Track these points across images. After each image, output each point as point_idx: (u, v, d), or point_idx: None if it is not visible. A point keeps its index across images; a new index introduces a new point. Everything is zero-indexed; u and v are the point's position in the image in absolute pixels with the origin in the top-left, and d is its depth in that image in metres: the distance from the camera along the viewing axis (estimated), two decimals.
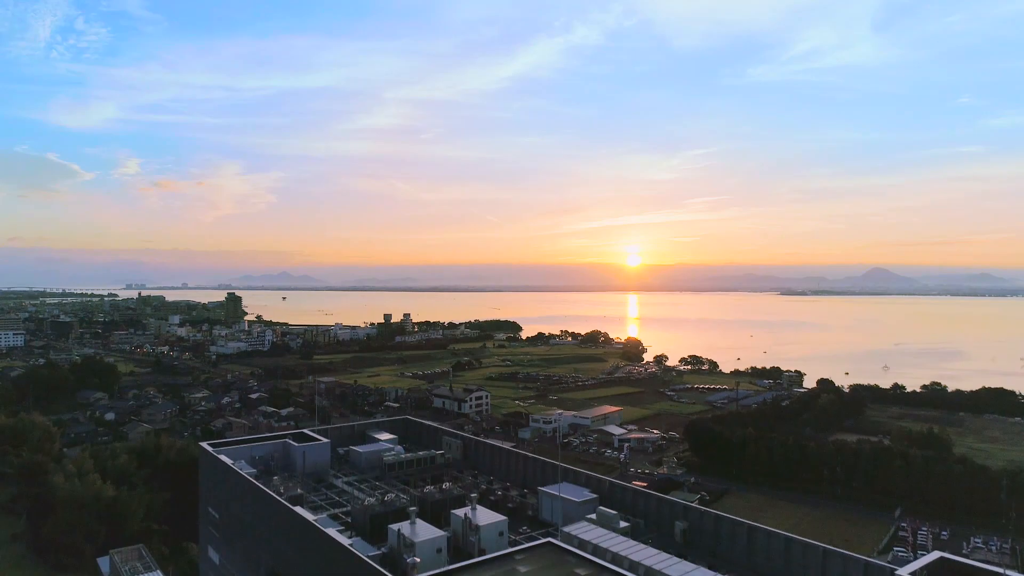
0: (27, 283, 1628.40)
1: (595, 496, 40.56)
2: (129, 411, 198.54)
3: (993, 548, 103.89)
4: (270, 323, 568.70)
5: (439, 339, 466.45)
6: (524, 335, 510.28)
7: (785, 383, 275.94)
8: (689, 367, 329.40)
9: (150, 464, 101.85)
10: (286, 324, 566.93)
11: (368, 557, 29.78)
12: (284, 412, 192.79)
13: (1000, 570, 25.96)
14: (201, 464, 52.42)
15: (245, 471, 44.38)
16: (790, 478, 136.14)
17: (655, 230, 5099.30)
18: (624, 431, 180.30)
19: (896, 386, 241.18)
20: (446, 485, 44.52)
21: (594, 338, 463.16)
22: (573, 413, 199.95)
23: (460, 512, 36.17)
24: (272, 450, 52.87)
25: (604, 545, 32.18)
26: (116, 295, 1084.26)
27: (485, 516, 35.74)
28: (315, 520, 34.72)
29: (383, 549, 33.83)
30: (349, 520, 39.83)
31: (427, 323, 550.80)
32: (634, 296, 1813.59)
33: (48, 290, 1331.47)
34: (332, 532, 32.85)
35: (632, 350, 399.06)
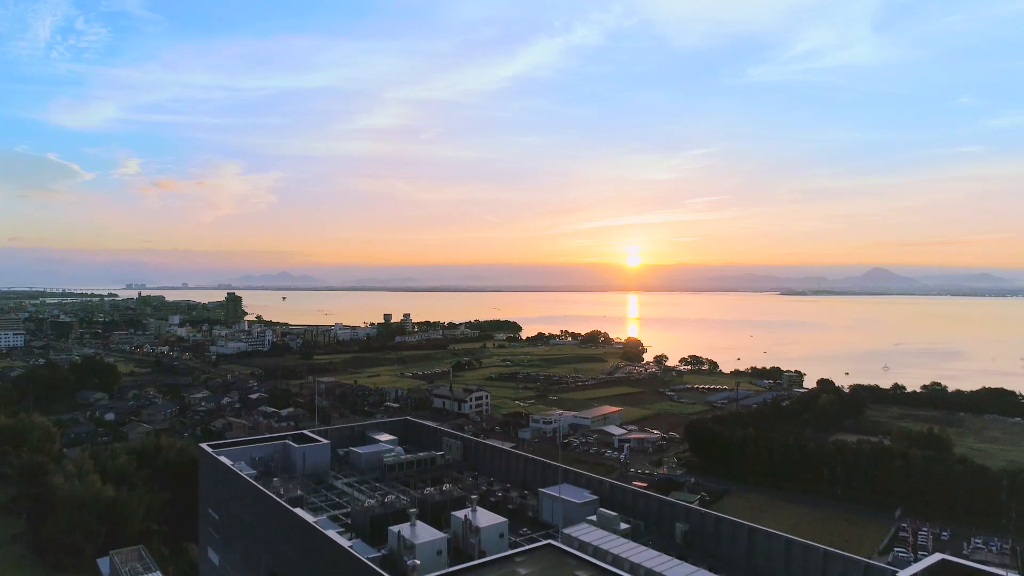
0: (27, 283, 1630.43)
1: (595, 498, 40.50)
2: (129, 411, 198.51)
3: (994, 549, 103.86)
4: (270, 323, 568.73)
5: (439, 339, 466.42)
6: (524, 335, 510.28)
7: (785, 383, 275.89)
8: (689, 367, 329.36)
9: (150, 464, 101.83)
10: (286, 324, 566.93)
11: (368, 559, 29.73)
12: (284, 412, 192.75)
13: (1002, 572, 25.90)
14: (201, 465, 52.36)
15: (245, 472, 44.34)
16: (790, 478, 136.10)
17: (655, 230, 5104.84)
18: (624, 431, 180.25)
19: (896, 386, 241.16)
20: (446, 486, 44.46)
21: (594, 338, 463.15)
22: (573, 413, 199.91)
23: (460, 514, 36.13)
24: (272, 451, 52.83)
25: (605, 547, 32.14)
26: (116, 295, 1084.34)
27: (485, 518, 35.70)
28: (315, 522, 34.69)
29: (383, 551, 33.81)
30: (349, 522, 39.79)
31: (427, 323, 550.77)
32: (634, 296, 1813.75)
33: (48, 290, 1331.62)
34: (332, 534, 32.80)
35: (632, 350, 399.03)
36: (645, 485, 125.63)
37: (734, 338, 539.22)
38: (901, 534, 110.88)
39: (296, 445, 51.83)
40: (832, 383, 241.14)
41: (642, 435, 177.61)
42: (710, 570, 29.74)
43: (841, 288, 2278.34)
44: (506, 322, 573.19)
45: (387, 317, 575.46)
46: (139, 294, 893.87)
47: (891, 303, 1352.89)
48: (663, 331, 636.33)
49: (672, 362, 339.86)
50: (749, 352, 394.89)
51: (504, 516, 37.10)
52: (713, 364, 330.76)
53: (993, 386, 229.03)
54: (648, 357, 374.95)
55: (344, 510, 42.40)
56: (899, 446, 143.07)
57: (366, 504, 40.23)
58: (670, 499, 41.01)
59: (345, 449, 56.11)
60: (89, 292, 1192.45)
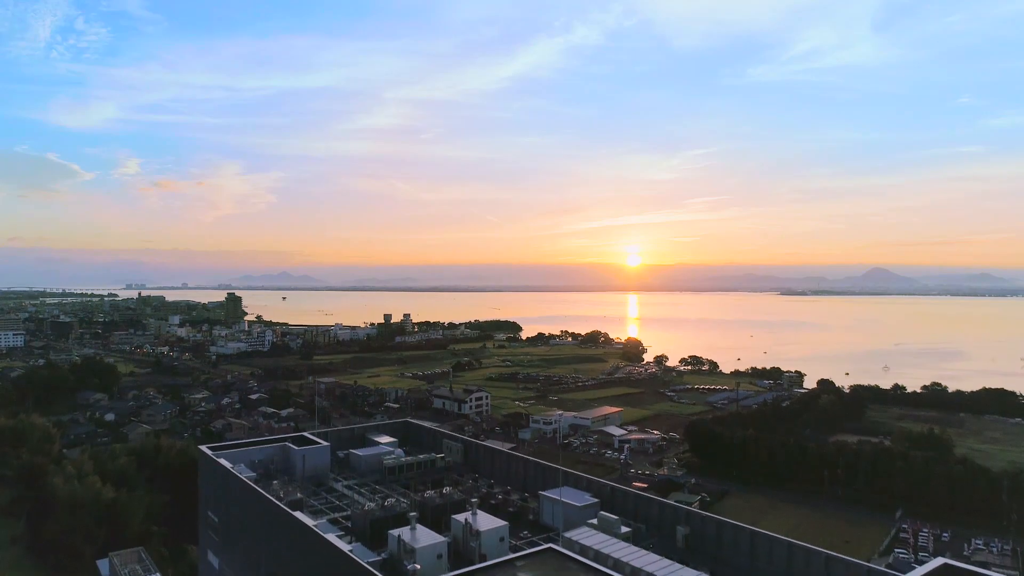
0: (27, 283, 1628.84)
1: (596, 500, 40.34)
2: (129, 412, 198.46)
3: (994, 550, 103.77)
4: (270, 323, 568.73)
5: (439, 339, 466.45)
6: (524, 335, 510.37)
7: (785, 383, 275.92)
8: (689, 367, 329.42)
9: (150, 465, 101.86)
10: (286, 324, 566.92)
11: (368, 563, 29.59)
12: (284, 413, 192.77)
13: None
14: (200, 467, 52.20)
15: (244, 475, 44.18)
16: (791, 479, 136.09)
17: (655, 230, 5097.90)
18: (624, 432, 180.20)
19: (896, 386, 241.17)
20: (446, 489, 44.33)
21: (594, 338, 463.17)
22: (573, 414, 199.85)
23: (461, 517, 35.97)
24: (272, 453, 52.65)
25: (606, 551, 31.98)
26: (116, 295, 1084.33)
27: (486, 521, 35.54)
28: (315, 525, 34.54)
29: (383, 555, 33.66)
30: (349, 525, 39.66)
31: (427, 323, 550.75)
32: (634, 296, 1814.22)
33: (48, 290, 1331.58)
34: (332, 537, 32.65)
35: (632, 350, 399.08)
36: (645, 486, 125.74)
37: (734, 338, 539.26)
38: (902, 535, 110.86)
39: (296, 447, 51.65)
40: (832, 383, 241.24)
41: (642, 436, 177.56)
42: (711, 574, 29.59)
43: (841, 288, 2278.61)
44: (506, 322, 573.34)
45: (387, 317, 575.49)
46: (139, 294, 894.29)
47: (891, 303, 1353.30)
48: (663, 331, 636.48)
49: (672, 362, 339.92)
50: (749, 352, 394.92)
51: (505, 519, 36.93)
52: (713, 364, 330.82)
53: (993, 386, 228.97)
54: (648, 357, 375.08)
55: (344, 513, 42.25)
56: (899, 447, 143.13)
57: (366, 507, 40.09)
58: (671, 502, 40.88)
59: (345, 451, 55.93)
60: (89, 292, 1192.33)
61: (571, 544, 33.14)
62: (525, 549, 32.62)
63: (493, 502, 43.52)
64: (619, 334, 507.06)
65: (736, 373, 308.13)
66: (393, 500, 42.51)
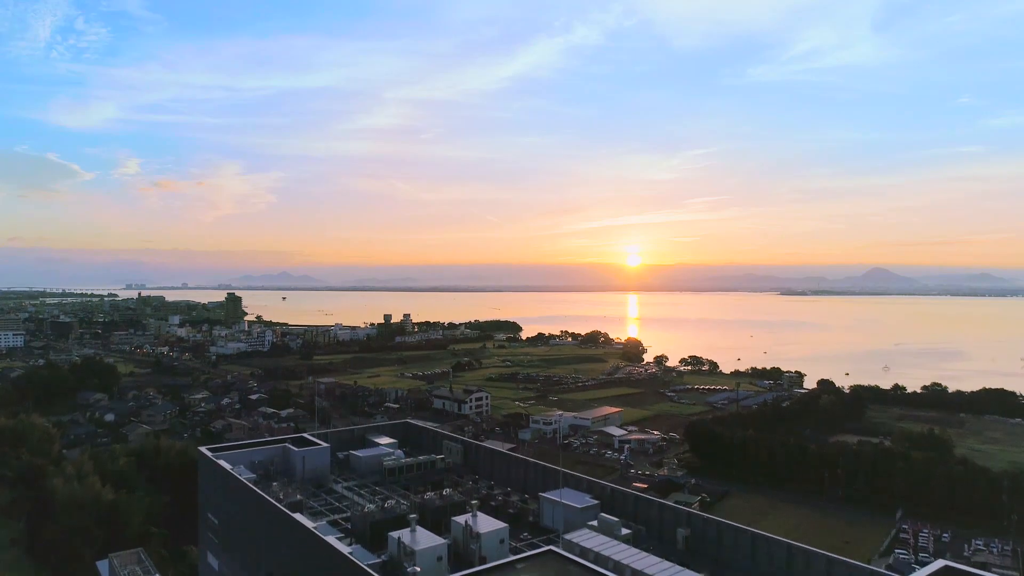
0: (27, 283, 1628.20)
1: (596, 502, 40.32)
2: (129, 412, 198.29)
3: (995, 550, 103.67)
4: (270, 323, 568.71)
5: (439, 339, 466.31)
6: (524, 335, 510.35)
7: (785, 384, 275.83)
8: (689, 368, 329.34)
9: (150, 466, 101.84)
10: (286, 324, 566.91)
11: (368, 566, 29.56)
12: (284, 413, 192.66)
13: None
14: (200, 469, 52.15)
15: (244, 476, 44.14)
16: (791, 479, 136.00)
17: (655, 230, 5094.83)
18: (624, 432, 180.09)
19: (896, 387, 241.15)
20: (447, 491, 44.29)
21: (594, 338, 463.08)
22: (573, 414, 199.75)
23: (461, 519, 35.94)
24: (272, 455, 52.61)
25: (606, 553, 31.93)
26: (116, 295, 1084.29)
27: (486, 523, 35.50)
28: (315, 527, 34.50)
29: (383, 557, 33.62)
30: (349, 527, 39.62)
31: (427, 323, 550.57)
32: (634, 296, 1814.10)
33: (48, 290, 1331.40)
34: (332, 540, 32.62)
35: (632, 351, 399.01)
36: (645, 486, 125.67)
37: (734, 338, 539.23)
38: (902, 536, 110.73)
39: (296, 449, 51.62)
40: (832, 384, 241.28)
41: (642, 436, 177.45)
42: None
43: (841, 288, 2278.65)
44: (506, 322, 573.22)
45: (387, 317, 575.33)
46: (139, 294, 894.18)
47: (891, 303, 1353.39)
48: (663, 331, 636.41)
49: (672, 362, 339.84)
50: (749, 352, 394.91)
51: (505, 521, 36.91)
52: (713, 364, 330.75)
53: (993, 387, 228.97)
54: (648, 357, 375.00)
55: (344, 515, 42.22)
56: (900, 447, 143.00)
57: (366, 509, 40.06)
58: (671, 504, 40.87)
59: (345, 452, 55.92)
60: (89, 292, 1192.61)
61: (571, 546, 33.09)
62: (525, 551, 32.60)
63: (493, 504, 43.47)
64: (619, 334, 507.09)
65: (736, 373, 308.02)
66: (393, 502, 42.49)
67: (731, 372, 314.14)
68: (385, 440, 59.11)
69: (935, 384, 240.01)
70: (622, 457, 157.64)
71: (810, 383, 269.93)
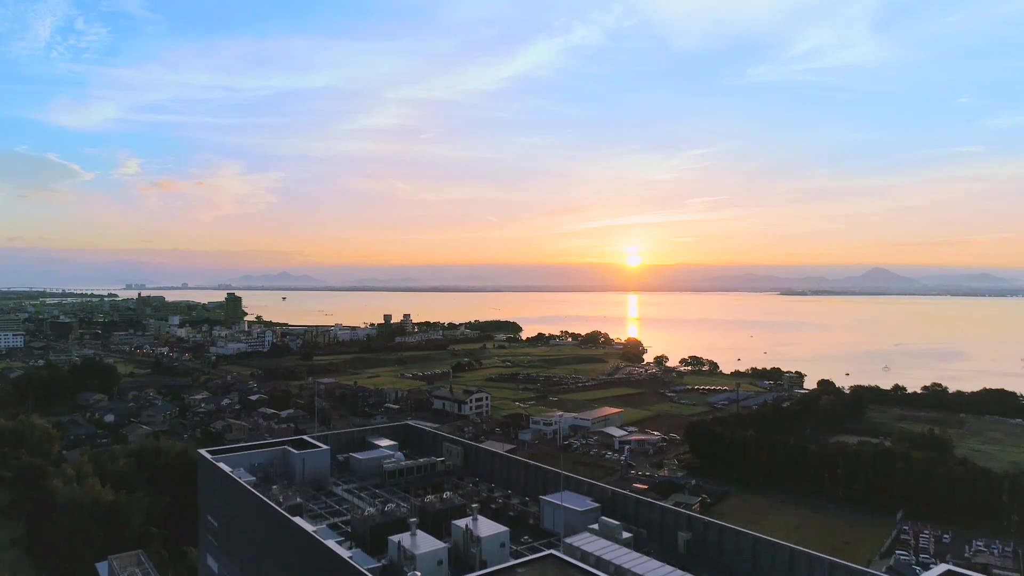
0: (27, 283, 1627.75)
1: (597, 505, 40.16)
2: (129, 413, 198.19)
3: (995, 551, 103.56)
4: (270, 323, 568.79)
5: (439, 340, 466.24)
6: (524, 335, 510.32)
7: (786, 384, 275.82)
8: (689, 368, 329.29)
9: (150, 467, 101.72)
10: (286, 324, 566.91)
11: (368, 570, 29.44)
12: (284, 414, 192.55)
13: None
14: (200, 471, 51.99)
15: (244, 479, 43.99)
16: (791, 480, 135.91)
17: (655, 230, 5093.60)
18: (625, 433, 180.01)
19: (897, 387, 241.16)
20: (447, 494, 44.13)
21: (594, 339, 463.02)
22: (573, 415, 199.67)
23: (461, 523, 35.79)
24: (271, 457, 52.45)
25: (607, 557, 31.80)
26: (116, 295, 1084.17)
27: (486, 527, 35.35)
28: (314, 531, 34.34)
29: (383, 561, 33.48)
30: (349, 530, 39.48)
31: (427, 323, 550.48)
32: (634, 296, 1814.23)
33: (48, 290, 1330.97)
34: (331, 544, 32.48)
35: (632, 351, 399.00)
36: (646, 487, 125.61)
37: (734, 338, 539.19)
38: (903, 536, 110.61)
39: (295, 451, 51.45)
40: (832, 384, 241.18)
41: (643, 437, 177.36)
42: None
43: (841, 288, 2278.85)
44: (506, 322, 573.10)
45: (387, 317, 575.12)
46: (139, 294, 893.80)
47: (891, 303, 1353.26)
48: (663, 331, 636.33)
49: (672, 363, 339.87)
50: (749, 353, 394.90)
51: (505, 524, 36.77)
52: (713, 365, 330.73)
53: (994, 387, 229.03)
54: (648, 358, 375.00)
55: (344, 518, 42.08)
56: (900, 447, 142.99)
57: (366, 512, 39.92)
58: (673, 507, 40.71)
59: (345, 455, 55.74)
60: (89, 292, 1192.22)
61: (572, 550, 32.96)
62: (526, 555, 32.46)
63: (493, 507, 43.34)
64: (619, 334, 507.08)
65: (736, 374, 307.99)
66: (393, 505, 42.34)
67: (731, 372, 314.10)
68: (385, 442, 58.95)
69: (935, 384, 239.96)
70: (622, 458, 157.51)
71: (810, 383, 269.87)
